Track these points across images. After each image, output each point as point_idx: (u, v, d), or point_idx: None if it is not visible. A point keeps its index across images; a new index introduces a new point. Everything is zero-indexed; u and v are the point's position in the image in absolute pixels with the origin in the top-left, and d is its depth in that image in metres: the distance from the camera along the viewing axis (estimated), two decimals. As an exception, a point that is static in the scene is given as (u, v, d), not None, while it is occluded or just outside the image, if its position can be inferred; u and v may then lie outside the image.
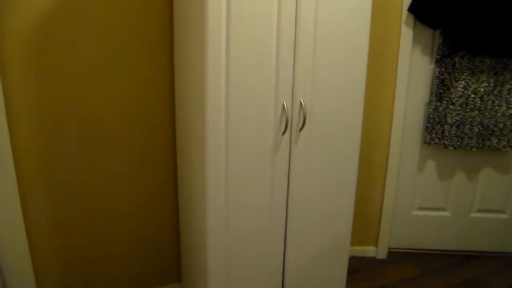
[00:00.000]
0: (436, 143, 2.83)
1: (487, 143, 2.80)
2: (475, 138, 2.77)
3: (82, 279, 2.27)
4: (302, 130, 1.87)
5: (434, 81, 2.71)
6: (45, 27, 1.88)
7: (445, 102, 2.74)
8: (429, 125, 2.80)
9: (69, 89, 1.99)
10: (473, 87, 2.68)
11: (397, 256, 3.08)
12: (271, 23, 1.69)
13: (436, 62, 2.69)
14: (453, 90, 2.69)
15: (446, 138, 2.77)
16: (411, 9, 2.58)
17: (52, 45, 1.91)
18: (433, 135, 2.81)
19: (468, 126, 2.75)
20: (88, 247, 2.24)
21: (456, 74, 2.66)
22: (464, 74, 2.66)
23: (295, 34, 1.74)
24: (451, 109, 2.71)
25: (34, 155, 1.99)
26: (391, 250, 3.14)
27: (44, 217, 2.08)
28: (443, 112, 2.76)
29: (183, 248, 2.41)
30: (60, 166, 2.06)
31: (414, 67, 2.78)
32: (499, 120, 2.75)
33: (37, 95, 1.93)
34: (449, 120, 2.73)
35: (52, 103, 1.97)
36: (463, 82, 2.67)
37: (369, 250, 3.07)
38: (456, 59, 2.64)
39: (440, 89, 2.73)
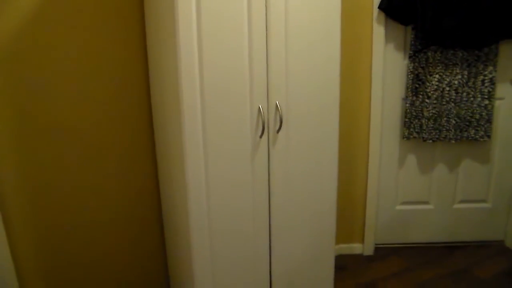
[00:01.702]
0: (415, 137, 2.86)
1: (465, 134, 2.84)
2: (452, 130, 2.81)
3: (67, 285, 2.25)
4: (280, 132, 1.88)
5: (409, 76, 2.75)
6: (18, 35, 1.88)
7: (421, 96, 2.77)
8: (406, 120, 2.83)
9: (45, 97, 1.98)
10: (448, 80, 2.72)
11: (384, 252, 3.10)
12: (242, 28, 1.70)
13: (410, 57, 2.72)
14: (428, 84, 2.72)
15: (424, 131, 2.81)
16: (381, 7, 2.62)
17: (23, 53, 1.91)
18: (411, 130, 2.85)
19: (445, 118, 2.79)
20: (73, 252, 2.22)
21: (430, 68, 2.70)
22: (438, 67, 2.70)
23: (266, 38, 1.76)
24: (427, 103, 2.75)
25: (16, 160, 1.98)
26: (377, 246, 3.16)
27: (27, 221, 2.06)
28: (419, 107, 2.79)
29: (169, 252, 2.40)
30: (43, 169, 2.05)
31: (388, 63, 2.81)
32: (475, 111, 2.79)
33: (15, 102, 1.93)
34: (426, 114, 2.77)
35: (30, 109, 1.96)
36: (437, 76, 2.71)
37: (355, 247, 3.09)
38: (429, 54, 2.68)
39: (415, 84, 2.76)
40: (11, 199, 2.00)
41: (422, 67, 2.72)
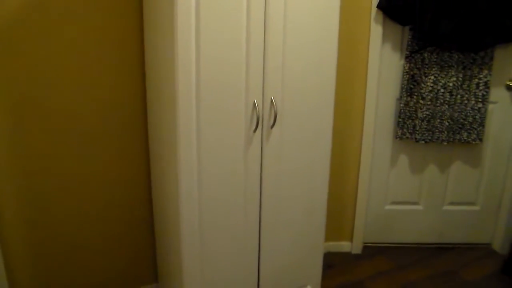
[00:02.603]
0: (407, 137, 2.87)
1: (457, 136, 2.85)
2: (445, 132, 2.82)
3: (56, 282, 2.23)
4: (274, 128, 1.88)
5: (404, 76, 2.75)
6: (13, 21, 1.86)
7: (415, 97, 2.78)
8: (400, 120, 2.84)
9: (38, 85, 1.96)
10: (442, 82, 2.72)
11: (372, 251, 3.11)
12: (240, 22, 1.69)
13: (406, 58, 2.72)
14: (423, 85, 2.72)
15: (417, 132, 2.81)
16: (380, 6, 2.61)
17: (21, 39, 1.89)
18: (405, 130, 2.85)
19: (438, 120, 2.79)
20: (62, 249, 2.20)
21: (426, 69, 2.70)
22: (433, 69, 2.70)
23: (264, 34, 1.75)
24: (421, 104, 2.75)
25: (5, 154, 1.96)
26: (366, 245, 3.17)
27: (16, 218, 2.04)
28: (413, 107, 2.80)
29: (158, 248, 2.39)
30: (32, 164, 2.03)
31: (384, 63, 2.81)
32: (468, 114, 2.80)
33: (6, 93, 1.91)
34: (419, 115, 2.77)
35: (24, 99, 1.94)
36: (432, 77, 2.71)
37: (344, 246, 3.10)
38: (425, 55, 2.68)
39: (410, 85, 2.76)
40: (1, 193, 1.98)
41: (418, 68, 2.72)
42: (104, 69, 2.09)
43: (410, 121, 2.83)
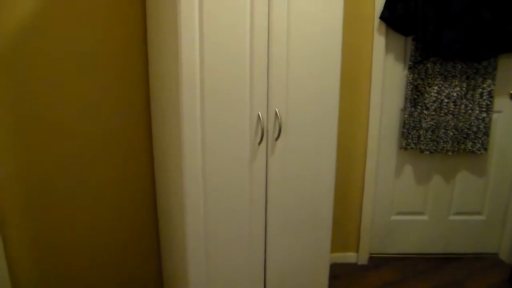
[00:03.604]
0: (412, 148, 2.87)
1: (462, 146, 2.84)
2: (450, 142, 2.81)
3: (60, 286, 2.23)
4: (278, 140, 1.88)
5: (408, 87, 2.75)
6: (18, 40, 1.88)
7: (419, 107, 2.78)
8: (404, 130, 2.84)
9: (44, 95, 1.98)
10: (446, 91, 2.73)
11: (378, 261, 3.10)
12: (244, 35, 1.70)
13: (409, 68, 2.73)
14: (426, 95, 2.73)
15: (422, 142, 2.81)
16: (382, 17, 2.62)
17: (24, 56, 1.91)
18: (409, 140, 2.85)
19: (443, 130, 2.79)
20: (67, 255, 2.21)
21: (429, 79, 2.70)
22: (437, 79, 2.71)
23: (267, 45, 1.76)
24: (425, 114, 2.75)
25: (11, 159, 1.97)
26: (372, 255, 3.16)
27: (21, 224, 2.05)
28: (418, 117, 2.80)
29: (163, 255, 2.40)
30: (36, 172, 2.04)
31: (388, 74, 2.81)
32: (472, 123, 2.80)
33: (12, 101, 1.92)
34: (424, 125, 2.77)
35: (27, 108, 1.95)
36: (436, 87, 2.72)
37: (350, 256, 3.09)
38: (429, 65, 2.69)
39: (414, 95, 2.77)
40: (6, 199, 1.99)
41: (422, 78, 2.73)
42: (108, 81, 2.11)
43: (414, 131, 2.83)
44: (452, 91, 2.73)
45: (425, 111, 2.75)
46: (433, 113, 2.75)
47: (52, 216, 2.12)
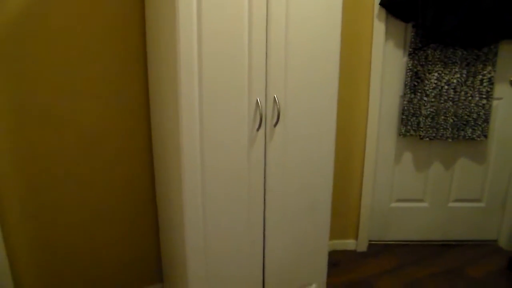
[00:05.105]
0: (411, 134, 2.86)
1: (462, 133, 2.84)
2: (450, 129, 2.81)
3: (61, 281, 2.24)
4: (277, 126, 1.87)
5: (408, 73, 2.74)
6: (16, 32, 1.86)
7: (419, 94, 2.77)
8: (404, 117, 2.83)
9: (43, 89, 1.97)
10: (446, 78, 2.71)
11: (377, 248, 3.10)
12: (242, 20, 1.69)
13: (409, 55, 2.71)
14: (426, 82, 2.72)
15: (422, 129, 2.80)
16: (382, 3, 2.60)
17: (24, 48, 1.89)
18: (409, 127, 2.84)
19: (442, 117, 2.79)
20: (67, 248, 2.21)
21: (429, 66, 2.69)
22: (437, 66, 2.69)
23: (266, 31, 1.74)
24: (425, 100, 2.74)
25: (11, 155, 1.96)
26: (371, 242, 3.16)
27: (22, 217, 2.05)
28: (417, 104, 2.79)
29: (163, 248, 2.40)
30: (37, 166, 2.03)
31: (387, 60, 2.80)
32: (472, 110, 2.79)
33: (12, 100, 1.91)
34: (423, 112, 2.77)
35: (27, 101, 1.95)
36: (436, 74, 2.70)
37: (349, 244, 3.10)
38: (429, 51, 2.67)
39: (414, 82, 2.76)
40: (6, 193, 1.99)
41: (421, 65, 2.71)
42: (107, 73, 2.10)
43: (414, 118, 2.82)
44: (452, 78, 2.72)
45: (424, 98, 2.74)
46: (433, 99, 2.74)
47: (50, 211, 2.11)
